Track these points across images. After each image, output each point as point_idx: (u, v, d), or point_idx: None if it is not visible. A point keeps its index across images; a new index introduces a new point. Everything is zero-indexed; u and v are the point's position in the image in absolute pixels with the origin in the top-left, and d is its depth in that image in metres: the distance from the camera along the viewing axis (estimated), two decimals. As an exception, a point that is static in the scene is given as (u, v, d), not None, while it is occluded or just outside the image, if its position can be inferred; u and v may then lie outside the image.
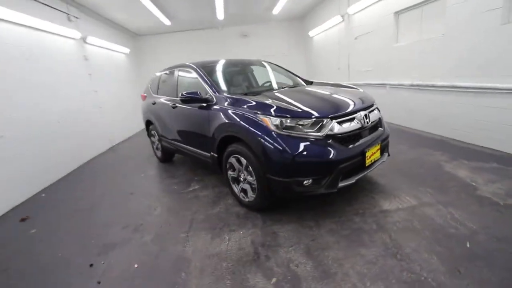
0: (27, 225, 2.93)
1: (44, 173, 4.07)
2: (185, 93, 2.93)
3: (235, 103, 2.59)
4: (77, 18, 5.51)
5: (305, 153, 2.07)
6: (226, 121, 2.54)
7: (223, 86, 3.05)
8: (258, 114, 2.28)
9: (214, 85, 2.95)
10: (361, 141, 2.32)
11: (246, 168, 2.46)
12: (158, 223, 2.64)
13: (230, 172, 2.73)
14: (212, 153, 2.94)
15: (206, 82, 3.02)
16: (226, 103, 2.68)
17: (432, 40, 4.15)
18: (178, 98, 3.46)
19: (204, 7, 6.88)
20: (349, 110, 2.31)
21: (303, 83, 3.56)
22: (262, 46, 9.78)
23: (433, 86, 4.20)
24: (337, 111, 2.24)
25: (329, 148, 2.12)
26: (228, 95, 2.76)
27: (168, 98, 3.83)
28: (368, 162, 2.33)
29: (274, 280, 1.73)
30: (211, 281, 1.79)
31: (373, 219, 2.27)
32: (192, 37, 9.58)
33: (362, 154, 2.27)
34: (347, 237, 2.08)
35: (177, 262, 2.02)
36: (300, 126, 2.14)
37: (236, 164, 2.59)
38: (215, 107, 2.77)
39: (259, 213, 2.56)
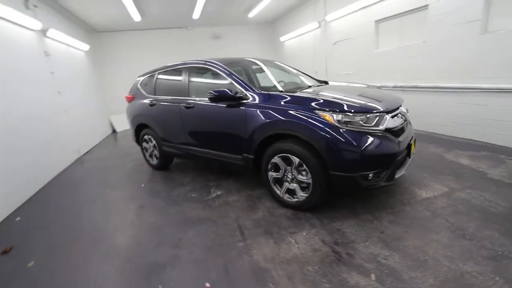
0: (18, 258, 2.31)
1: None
2: (215, 91, 2.71)
3: (279, 100, 2.49)
4: (35, 6, 4.64)
5: (372, 147, 2.09)
6: (276, 118, 2.41)
7: (256, 84, 2.90)
8: (317, 110, 2.23)
9: (246, 83, 2.79)
10: (404, 134, 2.46)
11: (298, 167, 2.38)
12: (200, 235, 2.35)
13: (272, 173, 2.60)
14: (246, 155, 2.76)
15: (236, 80, 2.84)
16: (267, 100, 2.56)
17: (414, 47, 4.68)
18: (196, 98, 3.21)
19: (183, 3, 6.50)
20: (397, 105, 2.44)
21: (318, 83, 3.62)
22: (235, 48, 9.68)
23: (416, 87, 4.72)
24: (391, 107, 2.34)
25: (389, 141, 2.19)
26: (267, 92, 2.64)
27: (176, 98, 3.47)
28: (411, 153, 2.48)
29: (373, 276, 1.69)
30: None
31: (421, 207, 2.41)
32: (158, 36, 8.97)
33: (409, 146, 2.41)
34: (411, 226, 2.17)
35: (256, 273, 1.82)
36: (360, 121, 2.16)
37: (282, 164, 2.49)
38: (252, 105, 2.62)
39: (308, 212, 2.48)
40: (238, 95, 2.70)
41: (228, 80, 2.90)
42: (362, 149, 2.08)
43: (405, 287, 1.59)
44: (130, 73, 8.81)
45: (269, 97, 2.57)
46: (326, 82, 3.62)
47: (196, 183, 3.54)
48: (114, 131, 8.57)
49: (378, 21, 5.38)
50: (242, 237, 2.24)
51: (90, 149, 6.33)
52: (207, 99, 3.05)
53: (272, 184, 2.65)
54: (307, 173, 2.33)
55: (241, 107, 2.69)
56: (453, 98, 4.17)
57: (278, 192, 2.62)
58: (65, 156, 5.05)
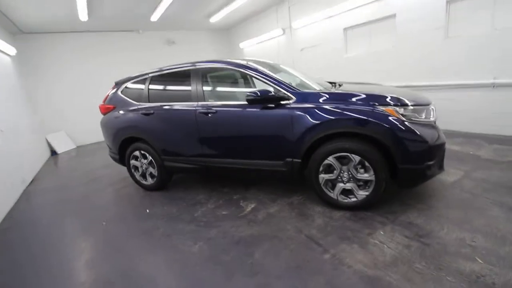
0: None
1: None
2: (255, 92, 2.45)
3: (328, 98, 2.41)
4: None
5: (433, 137, 2.19)
6: (339, 117, 2.29)
7: (293, 83, 2.72)
8: (379, 105, 2.23)
9: (286, 83, 2.61)
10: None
11: (357, 165, 2.32)
12: (271, 254, 2.04)
13: (323, 175, 2.47)
14: (290, 159, 2.57)
15: (272, 80, 2.63)
16: (314, 100, 2.44)
17: (384, 51, 5.24)
18: (216, 102, 2.85)
19: (144, 2, 5.81)
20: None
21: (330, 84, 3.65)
22: (191, 55, 9.13)
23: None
24: (430, 101, 2.50)
25: (439, 131, 2.34)
26: (314, 91, 2.52)
27: (187, 104, 3.01)
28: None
29: (479, 259, 1.73)
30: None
31: (457, 190, 2.64)
32: (105, 40, 7.83)
33: (442, 136, 2.63)
34: (464, 208, 2.32)
35: (370, 284, 1.66)
36: (417, 114, 2.25)
37: (337, 165, 2.39)
38: (299, 105, 2.46)
39: (367, 211, 2.43)
40: (281, 95, 2.50)
41: (263, 81, 2.67)
42: (427, 140, 2.16)
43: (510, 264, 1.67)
44: (72, 82, 7.45)
45: (315, 96, 2.45)
46: (335, 83, 3.70)
47: (215, 198, 3.12)
48: (54, 152, 6.99)
49: (346, 29, 5.85)
50: (322, 248, 2.04)
51: (35, 177, 4.99)
52: (235, 102, 2.78)
53: (323, 187, 2.52)
54: (368, 170, 2.29)
55: (285, 108, 2.50)
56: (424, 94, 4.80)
57: (330, 194, 2.50)
58: (8, 189, 3.83)
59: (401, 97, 2.28)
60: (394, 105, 2.21)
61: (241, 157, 2.84)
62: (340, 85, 3.51)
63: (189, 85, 3.06)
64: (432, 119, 2.32)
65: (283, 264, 1.93)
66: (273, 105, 2.54)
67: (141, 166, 3.53)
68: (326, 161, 2.42)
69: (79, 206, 3.53)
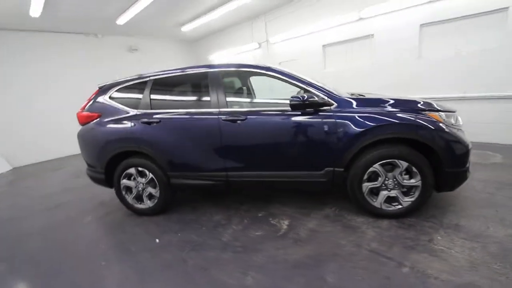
0: None
1: None
2: (300, 97, 2.28)
3: (371, 104, 2.38)
4: None
5: (468, 141, 2.31)
6: (388, 122, 2.24)
7: (329, 88, 2.59)
8: (424, 111, 2.26)
9: (324, 88, 2.49)
10: None
11: (402, 171, 2.29)
12: (342, 275, 1.81)
13: (367, 184, 2.38)
14: (330, 169, 2.41)
15: (312, 85, 2.49)
16: (357, 105, 2.37)
17: (362, 67, 5.65)
18: (241, 109, 2.56)
19: (112, 3, 5.16)
20: None
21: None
22: (156, 64, 8.44)
23: (367, 100, 5.67)
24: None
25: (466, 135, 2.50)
26: (352, 97, 2.45)
27: (206, 111, 2.63)
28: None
29: (545, 254, 1.82)
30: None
31: (472, 191, 2.82)
32: (57, 42, 6.66)
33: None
34: (503, 206, 2.45)
35: (471, 294, 1.57)
36: (452, 120, 2.37)
37: (382, 172, 2.33)
38: (342, 111, 2.35)
39: (410, 217, 2.40)
40: (324, 101, 2.37)
41: (300, 85, 2.51)
42: (467, 144, 2.26)
43: None
44: (10, 88, 6.02)
45: (358, 102, 2.39)
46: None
47: (237, 218, 2.74)
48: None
49: (325, 46, 6.18)
50: (395, 262, 1.89)
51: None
52: (269, 108, 2.55)
53: (366, 196, 2.42)
54: (415, 176, 2.28)
55: (327, 114, 2.36)
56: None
57: (374, 203, 2.41)
58: None
59: (436, 104, 2.38)
60: (438, 110, 2.29)
61: (274, 168, 2.57)
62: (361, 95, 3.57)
63: (206, 89, 2.70)
64: (461, 124, 2.47)
65: (365, 286, 1.71)
66: (312, 111, 2.40)
67: (136, 187, 2.92)
68: (371, 169, 2.34)
69: (47, 242, 2.70)
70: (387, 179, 2.35)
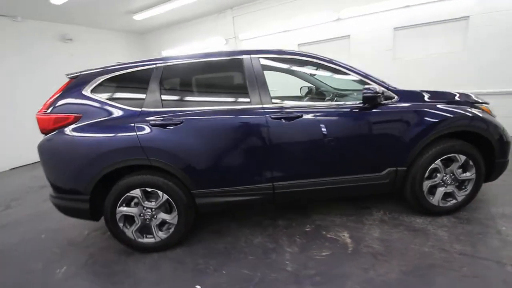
0: None
1: None
2: (372, 89, 1.97)
3: (430, 96, 2.25)
4: None
5: (506, 132, 2.42)
6: (457, 115, 2.14)
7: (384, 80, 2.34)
8: (476, 103, 2.25)
9: (381, 80, 2.24)
10: None
11: (459, 166, 2.23)
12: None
13: (427, 182, 2.24)
14: (395, 168, 2.19)
15: (366, 76, 2.21)
16: (413, 99, 2.21)
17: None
18: (290, 103, 2.18)
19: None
20: None
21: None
22: (96, 58, 6.97)
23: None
24: None
25: None
26: (408, 90, 2.27)
27: (247, 107, 2.07)
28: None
29: None
30: None
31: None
32: None
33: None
34: None
35: None
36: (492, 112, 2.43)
37: (442, 168, 2.23)
38: (405, 105, 2.15)
39: (459, 212, 2.37)
40: (387, 94, 2.13)
41: (355, 77, 2.20)
42: (509, 134, 2.35)
43: None
44: None
45: (418, 95, 2.24)
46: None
47: (283, 237, 2.26)
48: None
49: (300, 45, 6.09)
50: (493, 261, 1.77)
51: None
52: (328, 103, 2.19)
53: (426, 195, 2.27)
54: (470, 169, 2.25)
55: (390, 109, 2.13)
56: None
57: (432, 201, 2.29)
58: None
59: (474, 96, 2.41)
60: (485, 102, 2.31)
61: (331, 174, 2.18)
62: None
63: (241, 81, 2.15)
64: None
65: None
66: (370, 106, 2.13)
67: (141, 215, 2.12)
68: (432, 166, 2.20)
69: None
70: (445, 175, 2.26)
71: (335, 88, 3.41)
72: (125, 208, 2.11)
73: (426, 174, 2.22)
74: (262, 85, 2.13)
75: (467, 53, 4.54)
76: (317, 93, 3.30)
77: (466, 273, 1.70)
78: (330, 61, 2.28)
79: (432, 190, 2.29)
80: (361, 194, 2.71)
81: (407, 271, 1.76)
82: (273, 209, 2.72)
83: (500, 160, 2.29)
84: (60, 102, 2.09)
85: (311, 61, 2.30)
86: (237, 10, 6.61)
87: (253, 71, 2.14)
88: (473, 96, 2.36)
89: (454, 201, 2.32)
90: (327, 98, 3.16)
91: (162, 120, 2.02)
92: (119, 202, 2.08)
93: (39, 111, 2.10)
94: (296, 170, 2.16)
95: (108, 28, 7.21)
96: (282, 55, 2.37)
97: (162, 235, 2.17)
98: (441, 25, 4.69)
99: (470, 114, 2.17)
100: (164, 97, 2.11)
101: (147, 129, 2.01)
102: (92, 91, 2.11)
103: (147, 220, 2.14)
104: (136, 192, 2.08)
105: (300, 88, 3.82)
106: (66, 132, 2.02)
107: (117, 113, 2.07)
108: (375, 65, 5.24)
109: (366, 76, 2.24)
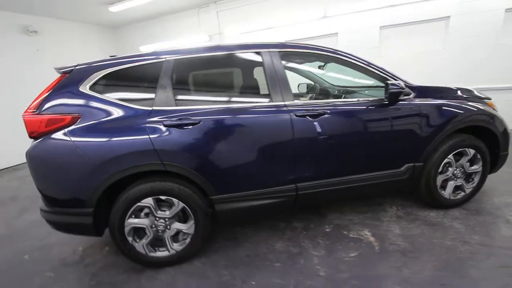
0: None
1: None
2: (397, 85, 1.96)
3: (443, 92, 2.31)
4: None
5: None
6: (471, 110, 2.21)
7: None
8: (483, 99, 2.34)
9: (397, 76, 2.23)
10: None
11: (468, 160, 2.32)
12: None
13: (440, 177, 2.30)
14: (413, 164, 2.22)
15: (381, 70, 2.21)
16: (428, 95, 2.24)
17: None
18: (315, 101, 2.10)
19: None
20: None
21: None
22: (65, 54, 6.31)
23: (333, 96, 5.89)
24: None
25: None
26: (424, 85, 2.29)
27: (269, 104, 1.94)
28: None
29: None
30: None
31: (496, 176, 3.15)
32: None
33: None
34: None
35: None
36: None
37: (454, 162, 2.30)
38: (423, 101, 2.17)
39: (468, 204, 2.47)
40: (405, 89, 2.12)
41: (373, 73, 2.18)
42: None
43: None
44: None
45: (432, 90, 2.28)
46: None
47: (307, 240, 2.18)
48: None
49: (288, 41, 6.03)
50: (517, 251, 1.84)
51: None
52: (354, 100, 2.16)
53: (439, 189, 2.33)
54: (477, 162, 2.35)
55: (409, 104, 2.14)
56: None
57: (444, 195, 2.36)
58: None
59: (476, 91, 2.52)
60: (487, 98, 2.41)
61: (353, 172, 2.14)
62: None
63: (261, 76, 2.01)
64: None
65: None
66: (387, 102, 2.12)
67: (153, 226, 1.90)
68: (445, 160, 2.26)
69: None
70: (455, 169, 2.34)
71: (334, 86, 3.41)
72: (135, 220, 1.87)
73: (440, 169, 2.27)
74: (282, 80, 2.02)
75: (448, 52, 4.81)
76: (321, 90, 3.25)
77: (494, 264, 1.75)
78: (353, 57, 2.27)
79: (443, 184, 2.36)
80: (381, 192, 2.73)
81: (439, 266, 1.77)
82: (284, 211, 2.62)
83: (503, 153, 2.42)
84: (52, 101, 1.78)
85: (332, 57, 2.23)
86: (221, 5, 6.37)
87: (270, 66, 2.02)
88: (475, 92, 2.47)
89: (463, 193, 2.41)
90: (333, 94, 3.14)
91: (177, 119, 1.82)
92: (128, 214, 1.84)
93: (25, 111, 1.78)
94: (321, 169, 2.08)
95: (79, 20, 6.55)
96: (302, 50, 2.25)
97: (177, 247, 1.97)
98: (423, 24, 4.92)
99: (483, 109, 2.26)
100: (176, 94, 1.90)
101: (161, 130, 1.79)
102: (91, 87, 1.83)
103: (160, 231, 1.92)
104: (148, 201, 1.85)
105: (298, 85, 3.77)
106: (63, 136, 1.73)
107: (123, 112, 1.82)
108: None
109: (388, 72, 2.23)
